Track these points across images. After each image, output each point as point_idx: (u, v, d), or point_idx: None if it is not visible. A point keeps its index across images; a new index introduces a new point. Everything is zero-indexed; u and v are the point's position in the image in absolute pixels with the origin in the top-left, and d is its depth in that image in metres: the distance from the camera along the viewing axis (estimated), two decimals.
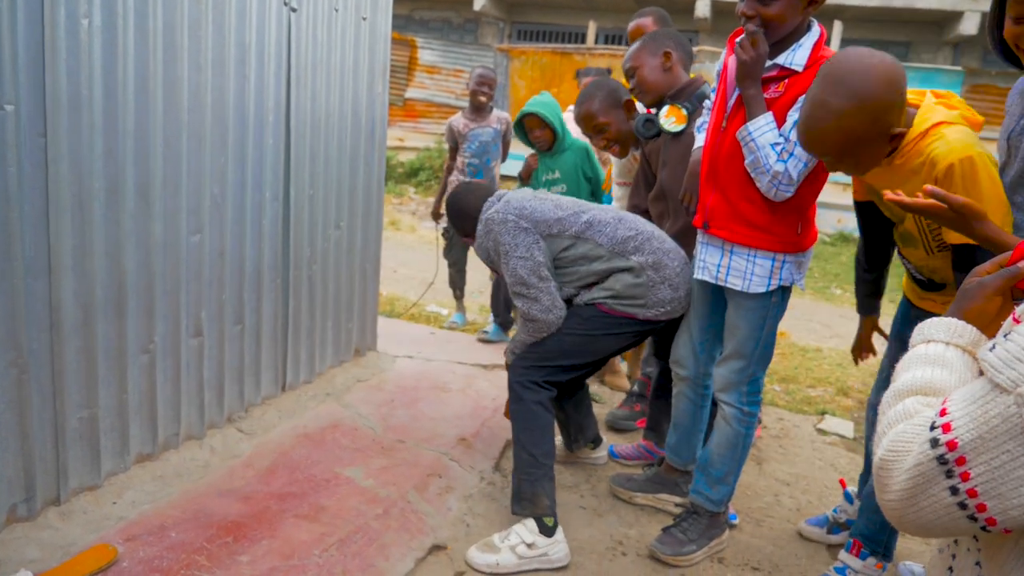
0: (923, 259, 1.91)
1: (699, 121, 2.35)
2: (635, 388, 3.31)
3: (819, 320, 5.60)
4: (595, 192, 3.77)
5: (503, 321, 4.28)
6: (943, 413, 0.78)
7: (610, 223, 2.29)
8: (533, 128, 3.60)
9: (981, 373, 0.81)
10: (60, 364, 1.98)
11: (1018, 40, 1.60)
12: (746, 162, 1.97)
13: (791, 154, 1.92)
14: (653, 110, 2.55)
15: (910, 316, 2.10)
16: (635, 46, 2.54)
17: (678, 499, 2.51)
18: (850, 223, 9.20)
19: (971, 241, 1.59)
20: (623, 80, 3.28)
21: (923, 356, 0.93)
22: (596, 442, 2.80)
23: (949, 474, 0.76)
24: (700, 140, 2.28)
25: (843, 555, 2.16)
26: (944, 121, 1.69)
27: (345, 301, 3.25)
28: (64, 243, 1.93)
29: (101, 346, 2.09)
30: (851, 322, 2.34)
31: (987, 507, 0.75)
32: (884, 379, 2.22)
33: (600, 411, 3.23)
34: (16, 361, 1.87)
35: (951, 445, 0.76)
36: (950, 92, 1.78)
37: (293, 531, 2.09)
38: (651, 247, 2.28)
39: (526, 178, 3.79)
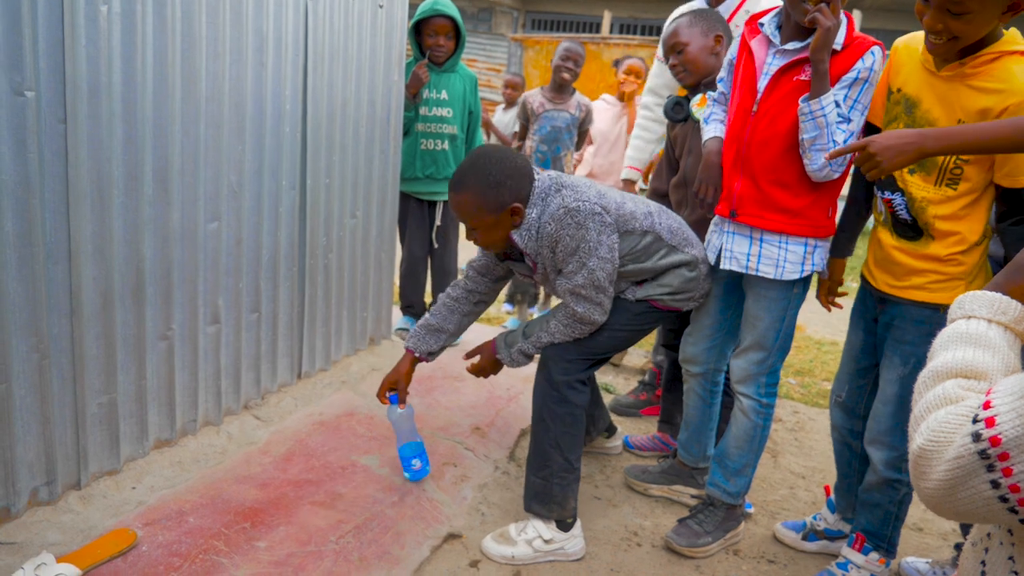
0: (925, 189, 1.84)
1: (706, 112, 2.29)
2: (645, 378, 3.30)
3: (834, 313, 5.55)
4: (473, 128, 3.55)
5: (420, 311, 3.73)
6: (987, 406, 0.77)
7: (658, 212, 2.18)
8: (440, 34, 3.25)
9: None
10: (80, 350, 1.99)
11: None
12: (806, 137, 1.90)
13: (851, 133, 1.90)
14: (686, 93, 2.51)
15: (873, 306, 2.04)
16: (684, 21, 2.42)
17: (693, 491, 2.50)
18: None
19: None
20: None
21: (964, 334, 0.90)
22: (610, 431, 2.79)
23: (991, 468, 0.75)
24: (712, 131, 2.22)
25: (845, 550, 2.13)
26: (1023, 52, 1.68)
27: (360, 290, 3.25)
28: (84, 229, 1.94)
29: (120, 332, 2.10)
30: None
31: None
32: (847, 373, 2.16)
33: (609, 399, 3.23)
34: (37, 346, 1.88)
35: (994, 441, 0.75)
36: None
37: (309, 518, 2.10)
38: (694, 237, 2.24)
39: (414, 93, 3.32)
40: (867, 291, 2.07)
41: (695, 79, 2.43)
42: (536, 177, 2.06)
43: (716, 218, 2.20)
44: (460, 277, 2.39)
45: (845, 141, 1.89)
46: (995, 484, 0.75)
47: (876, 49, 1.89)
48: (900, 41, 1.95)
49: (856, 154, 1.73)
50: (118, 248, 2.05)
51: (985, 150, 1.67)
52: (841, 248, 2.18)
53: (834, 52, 1.90)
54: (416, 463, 2.34)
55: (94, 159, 1.94)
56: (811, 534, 2.31)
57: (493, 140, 5.62)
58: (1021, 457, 0.73)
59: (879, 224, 1.99)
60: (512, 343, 2.24)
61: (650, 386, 3.25)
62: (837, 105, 1.89)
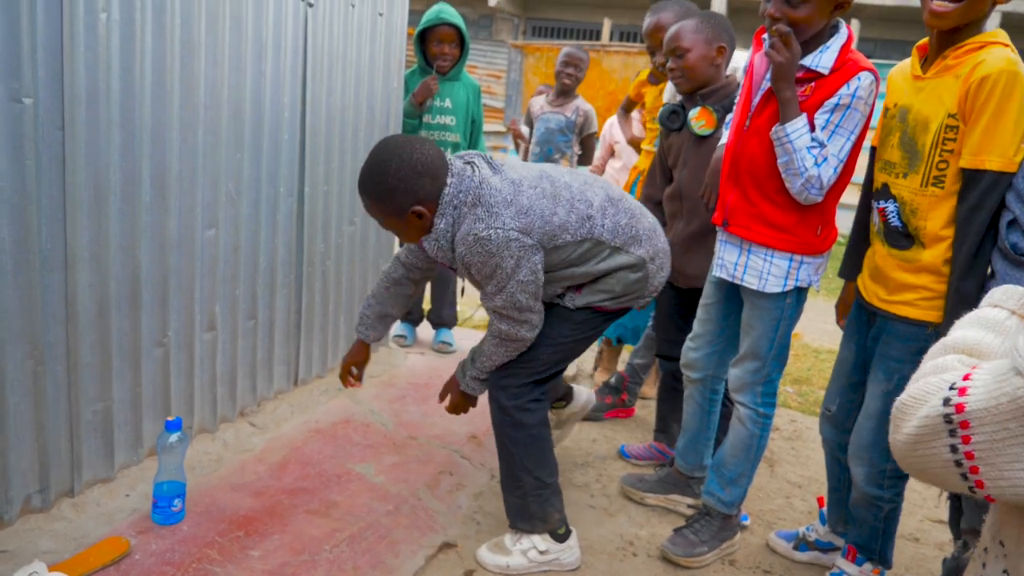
0: (915, 192, 1.84)
1: (728, 117, 2.30)
2: (612, 380, 3.26)
3: (832, 322, 5.55)
4: (475, 136, 3.56)
5: (417, 319, 3.77)
6: (966, 377, 0.82)
7: (604, 208, 2.01)
8: (444, 42, 3.29)
9: None
10: (75, 357, 1.99)
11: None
12: (779, 162, 1.94)
13: (825, 159, 1.90)
14: (679, 100, 2.50)
15: (865, 320, 2.04)
16: (690, 24, 2.36)
17: (690, 500, 2.49)
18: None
19: (985, 166, 1.69)
20: (645, 61, 3.17)
21: (982, 318, 0.94)
22: (566, 398, 2.58)
23: (952, 433, 0.80)
24: (725, 137, 2.23)
25: (839, 560, 2.14)
26: (1009, 45, 1.70)
27: (358, 296, 3.25)
28: (80, 236, 1.94)
29: (115, 339, 2.09)
30: None
31: (979, 471, 0.79)
32: (838, 387, 2.15)
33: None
34: (32, 353, 1.88)
35: (959, 408, 0.80)
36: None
37: (304, 526, 2.09)
38: (646, 231, 2.08)
39: (421, 103, 3.35)
40: (860, 305, 2.07)
41: (692, 86, 2.40)
42: (449, 180, 1.88)
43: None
44: (393, 262, 2.30)
45: (817, 164, 1.90)
46: (953, 448, 0.80)
47: (864, 74, 1.89)
48: (893, 69, 1.99)
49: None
50: (115, 255, 2.05)
51: None
52: (848, 271, 2.16)
53: (820, 76, 1.91)
54: (177, 504, 2.05)
55: (92, 166, 1.94)
56: (802, 544, 2.31)
57: (522, 149, 5.61)
58: (980, 430, 0.78)
59: (873, 235, 2.00)
60: (466, 371, 2.16)
61: (615, 389, 3.22)
62: (812, 130, 1.90)
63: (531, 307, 1.95)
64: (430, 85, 3.33)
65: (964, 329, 0.93)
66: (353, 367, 2.36)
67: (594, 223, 1.98)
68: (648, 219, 2.14)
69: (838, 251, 2.28)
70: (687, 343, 2.39)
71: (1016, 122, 1.68)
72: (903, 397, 0.88)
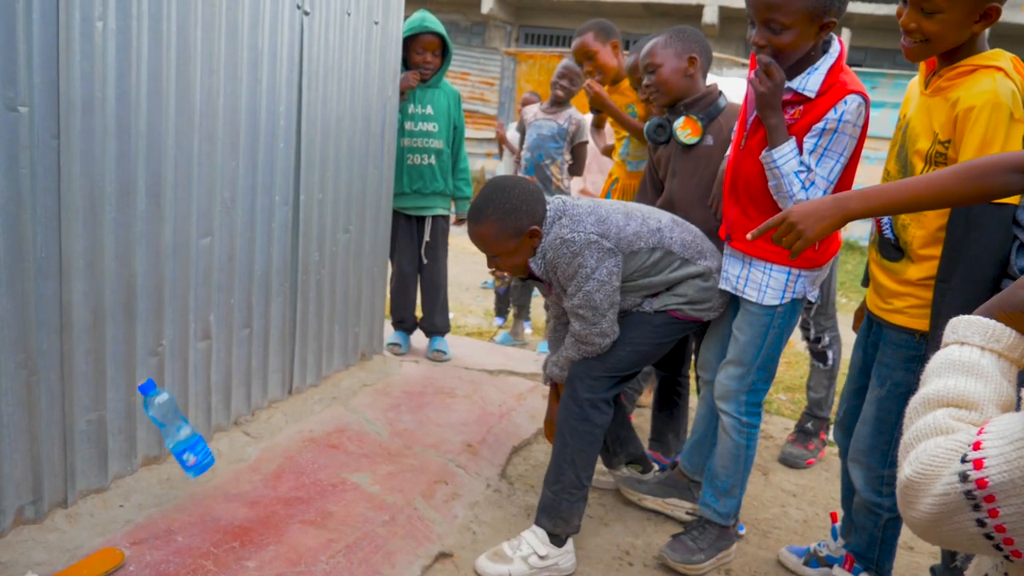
0: None
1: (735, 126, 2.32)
2: None
3: None
4: (458, 143, 3.60)
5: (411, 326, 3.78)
6: (977, 446, 0.76)
7: (671, 226, 2.21)
8: (427, 50, 3.34)
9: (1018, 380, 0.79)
10: (69, 366, 1.97)
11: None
12: (770, 185, 1.98)
13: (812, 183, 1.92)
14: (665, 114, 2.52)
15: (870, 336, 2.04)
16: (659, 40, 2.42)
17: (688, 505, 2.49)
18: (855, 231, 9.19)
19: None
20: (626, 77, 3.21)
21: (956, 362, 0.90)
22: (644, 465, 2.64)
23: (976, 508, 0.75)
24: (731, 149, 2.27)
25: (836, 570, 2.14)
26: (1003, 69, 1.67)
27: (352, 305, 3.25)
28: (75, 245, 1.93)
29: (110, 348, 2.08)
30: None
31: (1014, 542, 0.74)
32: (847, 392, 2.16)
33: None
34: (26, 363, 1.87)
35: (981, 483, 0.75)
36: None
37: (300, 537, 2.08)
38: (710, 249, 2.26)
39: (400, 92, 3.39)
40: (868, 312, 2.08)
41: (668, 100, 2.45)
42: (549, 205, 2.15)
43: None
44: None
45: (804, 188, 1.91)
46: (981, 523, 0.76)
47: (850, 98, 1.90)
48: (914, 78, 1.98)
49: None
50: (109, 264, 2.04)
51: (911, 207, 1.61)
52: (867, 279, 2.14)
53: (808, 99, 1.94)
54: (189, 457, 2.04)
55: (87, 174, 1.93)
56: (813, 560, 2.29)
57: (507, 155, 5.62)
58: (1008, 501, 0.73)
59: (870, 243, 2.01)
60: (549, 360, 2.35)
61: None
62: (800, 154, 1.92)
63: (604, 311, 2.10)
64: (409, 79, 3.37)
65: (943, 377, 0.89)
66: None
67: (663, 235, 2.17)
68: (708, 242, 2.29)
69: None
70: (703, 345, 2.42)
71: (1006, 151, 1.64)
72: (908, 473, 0.83)
